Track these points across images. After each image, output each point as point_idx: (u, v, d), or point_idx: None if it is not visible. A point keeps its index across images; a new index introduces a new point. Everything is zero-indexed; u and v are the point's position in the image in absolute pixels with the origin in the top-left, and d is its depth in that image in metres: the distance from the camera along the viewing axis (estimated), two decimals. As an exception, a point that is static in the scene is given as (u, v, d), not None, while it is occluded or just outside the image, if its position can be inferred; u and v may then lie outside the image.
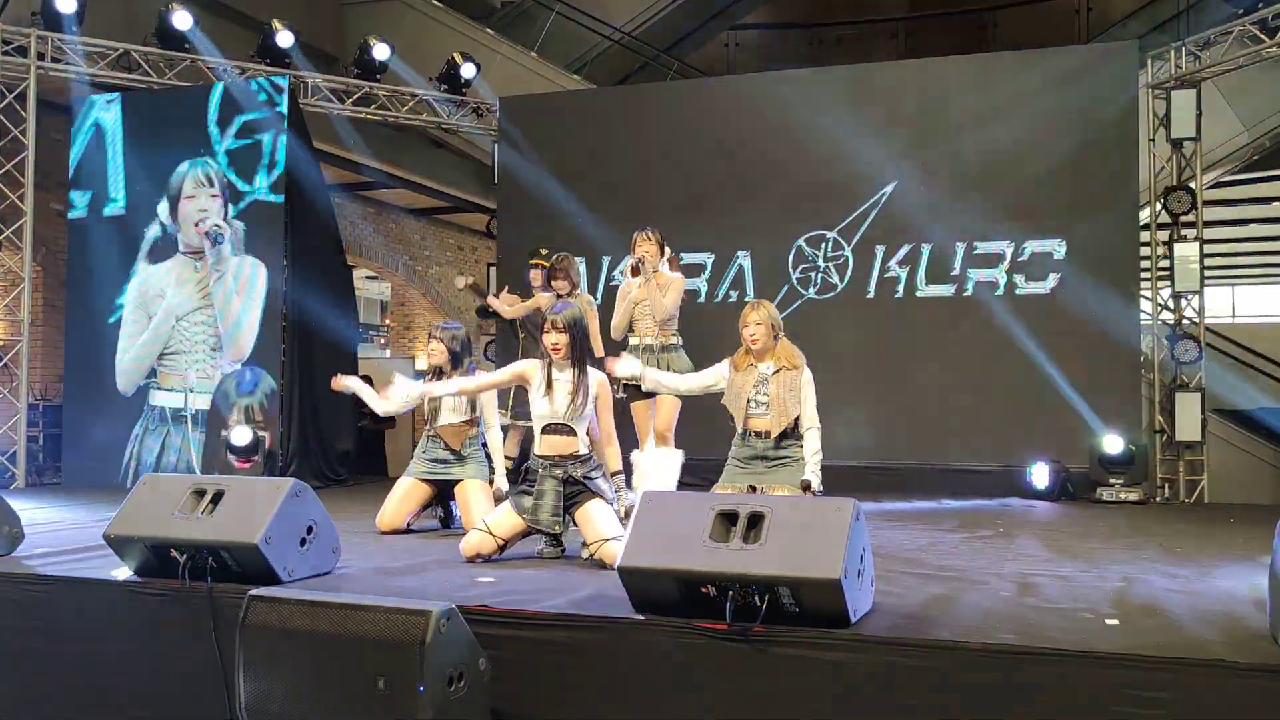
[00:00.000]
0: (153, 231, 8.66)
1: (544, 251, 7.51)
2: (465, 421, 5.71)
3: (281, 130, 8.48)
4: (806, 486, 5.06)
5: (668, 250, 6.06)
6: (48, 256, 9.44)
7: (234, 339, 8.44)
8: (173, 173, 8.62)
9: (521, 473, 4.85)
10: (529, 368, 4.84)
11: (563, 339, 4.72)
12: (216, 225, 8.46)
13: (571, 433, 4.70)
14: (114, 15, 9.26)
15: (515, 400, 7.09)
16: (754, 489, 5.09)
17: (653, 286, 5.86)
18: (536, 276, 7.45)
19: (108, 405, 8.57)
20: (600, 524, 4.55)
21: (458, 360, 5.67)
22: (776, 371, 5.19)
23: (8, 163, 8.54)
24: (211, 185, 8.56)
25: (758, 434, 5.20)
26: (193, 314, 8.54)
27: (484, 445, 5.95)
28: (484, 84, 10.49)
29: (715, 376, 5.35)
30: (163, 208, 8.64)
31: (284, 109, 8.54)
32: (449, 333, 5.71)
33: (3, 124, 8.51)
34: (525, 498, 4.68)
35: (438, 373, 5.72)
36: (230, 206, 8.50)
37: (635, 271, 5.99)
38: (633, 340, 6.01)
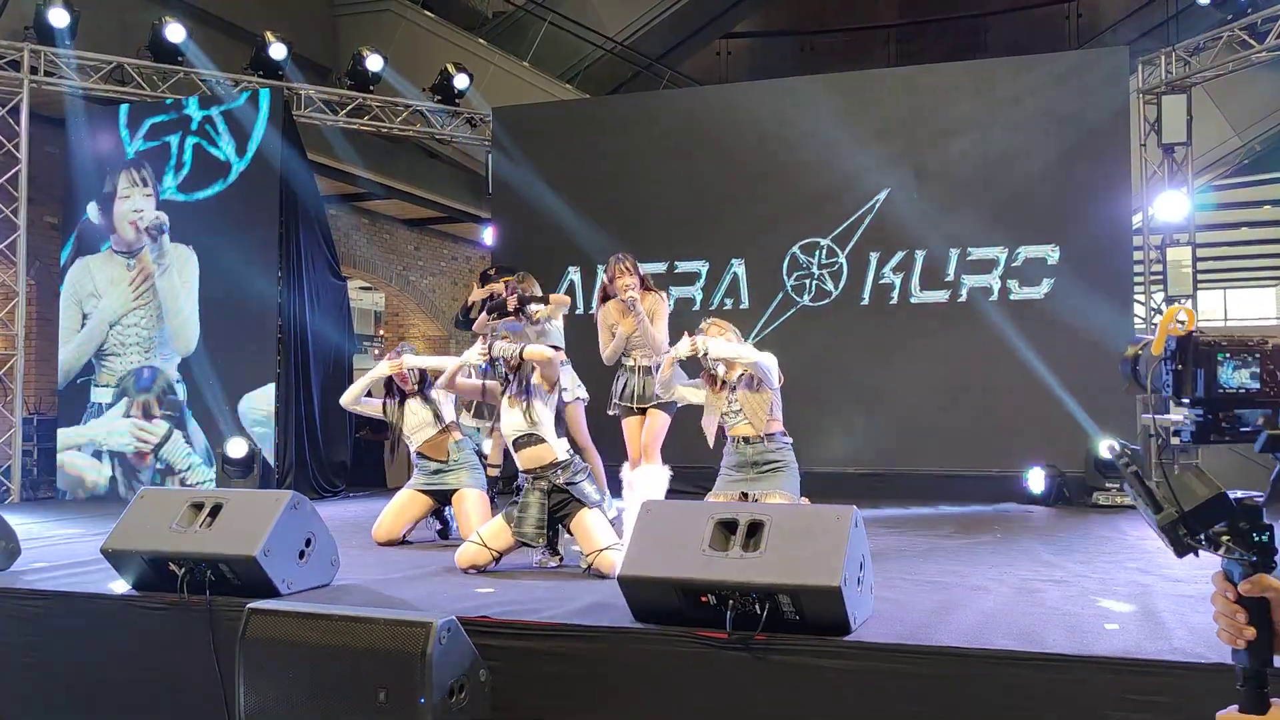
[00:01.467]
0: (93, 225, 8.80)
1: (492, 273, 7.43)
2: (441, 431, 5.74)
3: (189, 132, 8.62)
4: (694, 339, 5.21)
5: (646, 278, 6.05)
6: (41, 270, 9.43)
7: (180, 331, 8.55)
8: (98, 173, 8.79)
9: (515, 487, 4.86)
10: (495, 385, 4.95)
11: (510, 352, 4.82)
12: (156, 217, 8.62)
13: (541, 441, 4.69)
14: (107, 29, 9.27)
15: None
16: (745, 496, 5.11)
17: (645, 324, 5.83)
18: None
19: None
20: (594, 534, 4.55)
21: (423, 381, 5.78)
22: (740, 376, 5.29)
23: (1, 177, 8.52)
24: (145, 185, 8.72)
25: (745, 440, 5.27)
26: (126, 317, 8.66)
27: (475, 449, 5.96)
28: (477, 94, 10.50)
29: (688, 386, 5.57)
30: (92, 207, 8.78)
31: (191, 112, 8.73)
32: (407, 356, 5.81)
33: (-4, 138, 8.51)
34: (514, 509, 4.70)
35: (402, 396, 5.79)
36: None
37: (611, 299, 5.96)
38: (626, 360, 5.99)
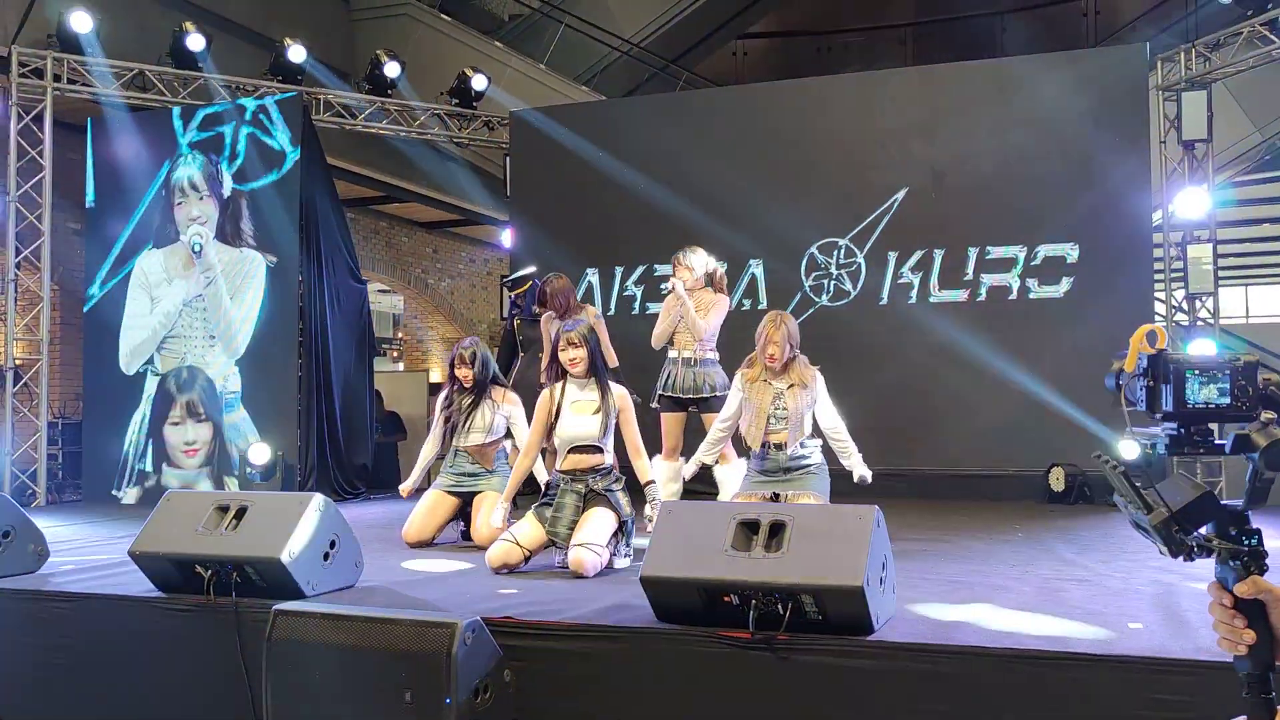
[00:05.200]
0: (157, 218, 8.86)
1: (514, 278, 7.54)
2: (493, 442, 5.77)
3: (243, 122, 8.68)
4: (864, 481, 5.21)
5: (711, 264, 6.15)
6: (65, 275, 9.52)
7: (227, 337, 8.61)
8: (153, 165, 8.85)
9: (545, 486, 4.87)
10: (545, 399, 4.86)
11: (580, 353, 4.76)
12: (196, 236, 8.70)
13: (598, 451, 4.74)
14: (128, 36, 9.34)
15: None
16: (777, 496, 5.10)
17: (688, 309, 5.94)
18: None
19: (126, 421, 8.69)
20: (590, 529, 4.55)
21: (483, 385, 5.73)
22: (791, 386, 5.23)
23: (25, 184, 8.61)
24: (198, 189, 8.76)
25: (776, 446, 5.22)
26: (194, 300, 8.72)
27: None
28: (494, 97, 10.54)
29: (733, 405, 5.40)
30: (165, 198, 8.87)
31: (245, 102, 8.84)
32: (470, 350, 5.73)
33: (20, 145, 8.58)
34: (546, 509, 4.71)
35: (457, 389, 5.75)
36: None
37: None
38: (671, 353, 6.11)
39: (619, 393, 4.85)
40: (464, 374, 5.70)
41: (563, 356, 4.76)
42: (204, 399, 8.56)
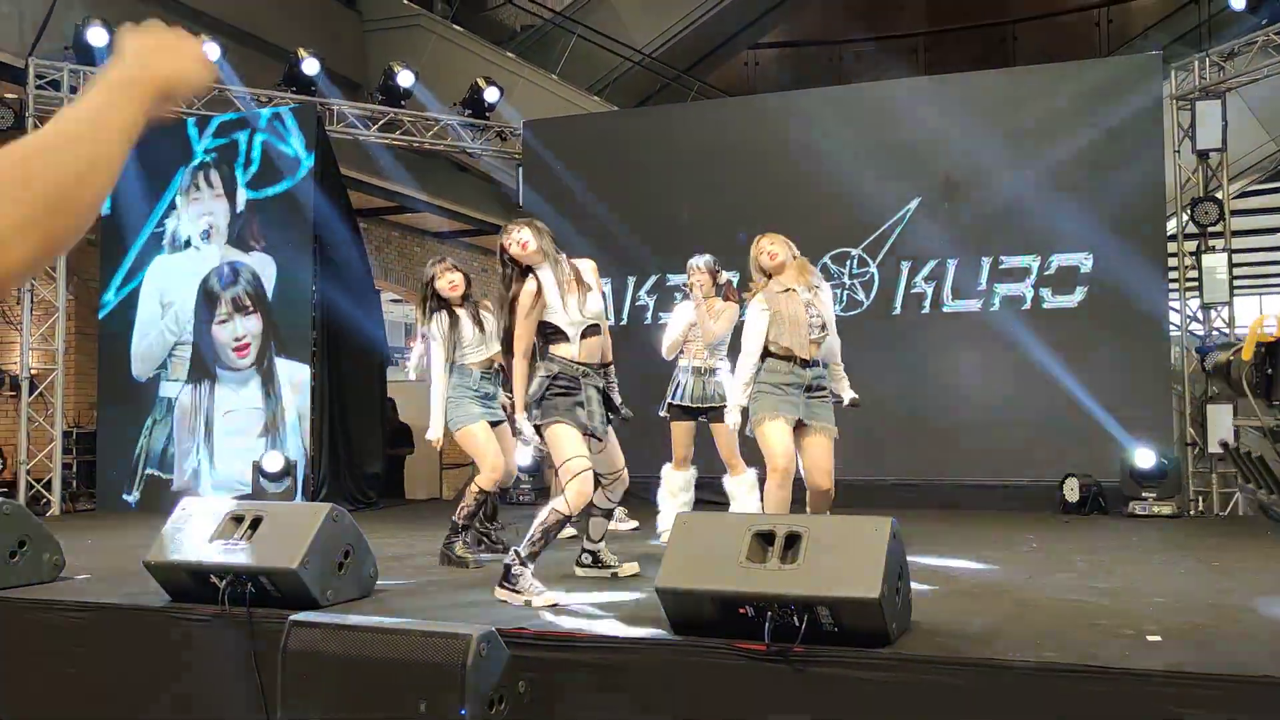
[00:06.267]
0: (171, 224, 8.90)
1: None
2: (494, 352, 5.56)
3: (258, 129, 8.72)
4: (855, 403, 5.02)
5: (724, 276, 6.13)
6: (80, 285, 9.56)
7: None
8: (168, 173, 8.87)
9: (551, 378, 4.44)
10: (530, 291, 4.59)
11: (529, 235, 4.75)
12: (205, 225, 8.78)
13: (598, 331, 4.59)
14: (144, 47, 9.39)
15: None
16: (803, 424, 4.74)
17: (702, 313, 5.90)
18: None
19: (141, 428, 8.74)
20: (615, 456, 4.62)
21: (469, 283, 5.67)
22: (813, 290, 4.87)
23: (41, 194, 8.65)
24: (213, 186, 8.81)
25: (805, 363, 4.72)
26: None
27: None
28: (507, 108, 10.56)
29: (757, 335, 4.82)
30: (180, 201, 8.91)
31: (259, 110, 8.90)
32: (451, 262, 5.68)
33: (37, 156, 8.62)
34: (579, 410, 4.40)
35: (444, 305, 5.57)
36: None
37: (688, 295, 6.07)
38: (682, 361, 6.09)
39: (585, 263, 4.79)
40: (451, 280, 5.53)
41: (515, 245, 4.80)
42: (249, 290, 8.55)
